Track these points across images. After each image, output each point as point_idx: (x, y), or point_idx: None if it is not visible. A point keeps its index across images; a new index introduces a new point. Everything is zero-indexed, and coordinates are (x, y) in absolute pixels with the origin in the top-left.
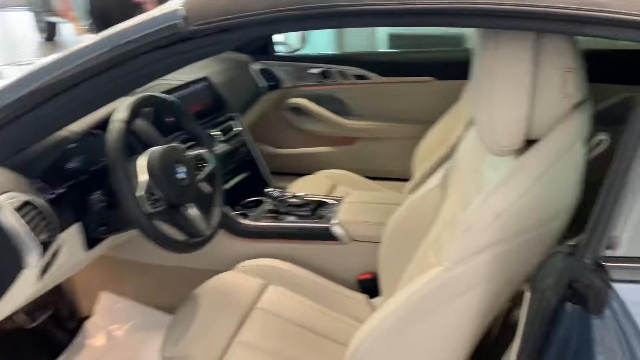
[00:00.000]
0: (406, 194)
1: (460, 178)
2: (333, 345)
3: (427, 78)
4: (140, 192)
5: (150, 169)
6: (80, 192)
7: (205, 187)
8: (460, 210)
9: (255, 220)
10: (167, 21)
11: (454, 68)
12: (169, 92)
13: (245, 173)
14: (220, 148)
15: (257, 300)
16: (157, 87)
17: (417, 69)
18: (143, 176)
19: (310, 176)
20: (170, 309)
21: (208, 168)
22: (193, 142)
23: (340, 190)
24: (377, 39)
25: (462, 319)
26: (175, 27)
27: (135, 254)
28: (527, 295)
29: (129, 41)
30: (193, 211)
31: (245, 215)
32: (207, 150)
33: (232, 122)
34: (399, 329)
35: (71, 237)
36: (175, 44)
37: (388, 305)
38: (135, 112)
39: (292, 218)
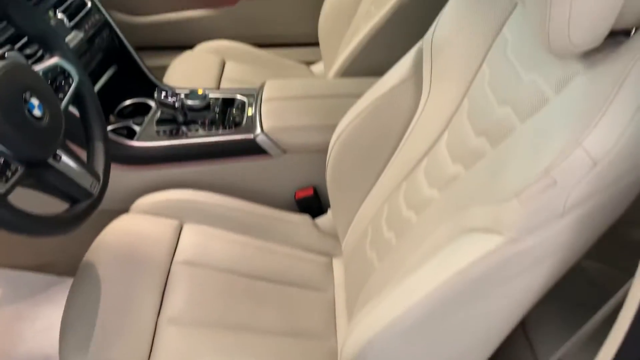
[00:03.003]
0: (331, 78)
1: (460, 77)
2: (289, 290)
3: None
4: None
5: None
6: None
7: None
8: (486, 141)
9: (147, 138)
10: None
11: None
12: None
13: (113, 67)
14: (72, 39)
15: (174, 250)
16: None
17: None
18: None
19: (190, 53)
20: (43, 268)
21: (72, 85)
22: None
23: (230, 68)
24: None
25: (518, 299)
26: None
27: None
28: None
29: None
30: (67, 160)
31: (130, 132)
32: (60, 56)
33: None
34: (431, 322)
35: None
36: None
37: (412, 292)
38: None
39: (197, 129)
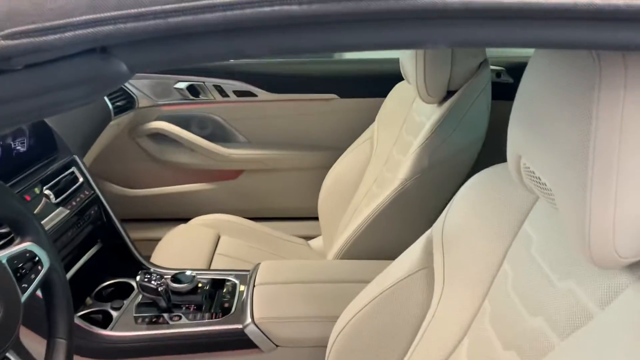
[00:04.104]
0: (331, 260)
1: (478, 275)
2: None
3: (329, 95)
4: None
5: None
6: None
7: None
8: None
9: (123, 327)
10: None
11: (362, 84)
12: None
13: (97, 245)
14: (55, 216)
15: None
16: None
17: (316, 84)
18: None
19: (184, 226)
20: None
21: (41, 272)
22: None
23: (225, 242)
24: None
25: None
26: None
27: None
28: None
29: None
30: None
31: (106, 317)
32: (32, 241)
33: (72, 171)
34: None
35: None
36: None
37: None
38: None
39: (180, 317)
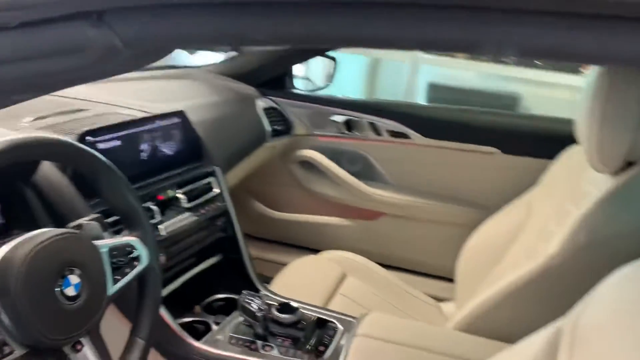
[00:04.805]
0: (450, 329)
1: None
2: None
3: (490, 149)
4: None
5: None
6: None
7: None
8: None
9: (214, 343)
10: None
11: (529, 141)
12: (116, 127)
13: (216, 257)
14: (181, 220)
15: None
16: (105, 116)
17: (476, 134)
18: None
19: (312, 257)
20: None
21: (136, 269)
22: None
23: (349, 283)
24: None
25: None
26: None
27: None
28: None
29: None
30: (88, 353)
31: (203, 327)
32: (137, 236)
33: (209, 181)
34: None
35: None
36: None
37: None
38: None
39: (272, 348)
